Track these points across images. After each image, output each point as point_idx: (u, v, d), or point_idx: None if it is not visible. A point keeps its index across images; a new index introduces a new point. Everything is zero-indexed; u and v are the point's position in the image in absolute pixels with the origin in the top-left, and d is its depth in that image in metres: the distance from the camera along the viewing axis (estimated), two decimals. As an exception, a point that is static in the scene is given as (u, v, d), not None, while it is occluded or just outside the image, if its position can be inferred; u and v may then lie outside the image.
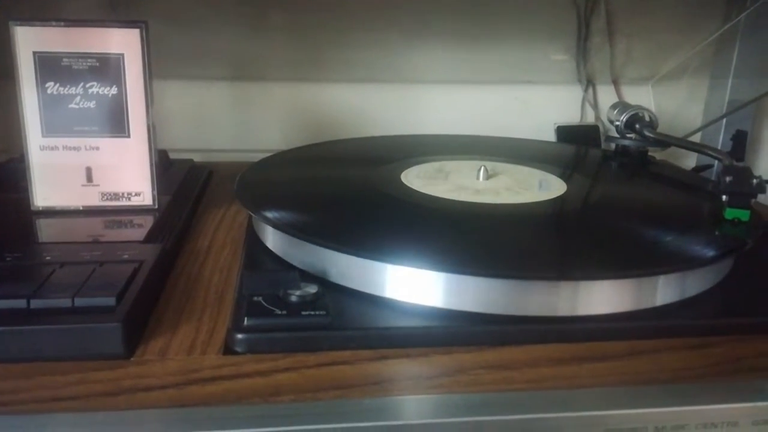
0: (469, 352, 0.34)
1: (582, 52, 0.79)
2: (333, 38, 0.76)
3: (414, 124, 0.78)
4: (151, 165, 0.50)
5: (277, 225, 0.42)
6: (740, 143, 0.54)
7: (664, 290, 0.39)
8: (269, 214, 0.43)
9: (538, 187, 0.51)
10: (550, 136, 0.78)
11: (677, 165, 0.72)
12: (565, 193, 0.50)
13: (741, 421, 0.31)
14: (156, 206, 0.50)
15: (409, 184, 0.51)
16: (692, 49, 0.76)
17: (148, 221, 0.48)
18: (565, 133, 0.78)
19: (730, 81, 0.73)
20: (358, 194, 0.50)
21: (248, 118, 0.77)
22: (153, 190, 0.50)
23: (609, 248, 0.42)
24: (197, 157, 0.71)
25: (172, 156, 0.67)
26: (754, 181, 0.42)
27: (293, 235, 0.41)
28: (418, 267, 0.37)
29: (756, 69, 0.74)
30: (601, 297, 0.38)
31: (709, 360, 0.34)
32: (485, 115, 0.80)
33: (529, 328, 0.36)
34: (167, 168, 0.62)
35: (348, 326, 0.35)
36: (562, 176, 0.54)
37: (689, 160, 0.79)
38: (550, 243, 0.43)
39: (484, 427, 0.29)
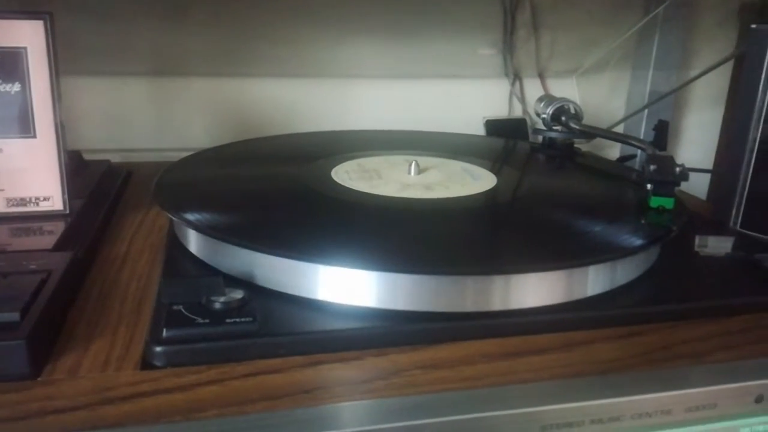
0: (404, 353, 0.33)
1: (508, 46, 0.80)
2: (259, 31, 0.73)
3: (343, 119, 0.76)
4: (61, 167, 0.46)
5: (198, 227, 0.39)
6: (662, 133, 0.55)
7: (594, 280, 0.39)
8: (190, 217, 0.40)
9: (469, 181, 0.51)
10: (480, 130, 0.79)
11: (602, 156, 0.74)
12: (494, 186, 0.50)
13: (674, 408, 0.31)
14: (67, 211, 0.47)
15: (339, 181, 0.49)
16: (614, 42, 0.78)
17: (59, 227, 0.44)
18: (494, 126, 0.79)
19: (650, 73, 0.75)
20: (285, 193, 0.48)
21: (170, 115, 0.74)
22: (64, 194, 0.47)
23: (539, 240, 0.41)
24: (115, 158, 0.67)
25: (88, 157, 0.63)
26: (677, 169, 0.43)
27: (216, 238, 0.38)
28: (348, 267, 0.36)
29: (675, 60, 0.76)
30: (534, 290, 0.37)
31: (641, 349, 0.34)
32: (415, 109, 0.80)
33: (464, 325, 0.35)
34: (81, 170, 0.58)
35: (277, 332, 0.33)
36: (491, 169, 0.54)
37: (614, 151, 0.80)
38: (481, 237, 0.43)
39: (419, 431, 0.28)
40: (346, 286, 0.36)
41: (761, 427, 0.35)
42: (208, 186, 0.49)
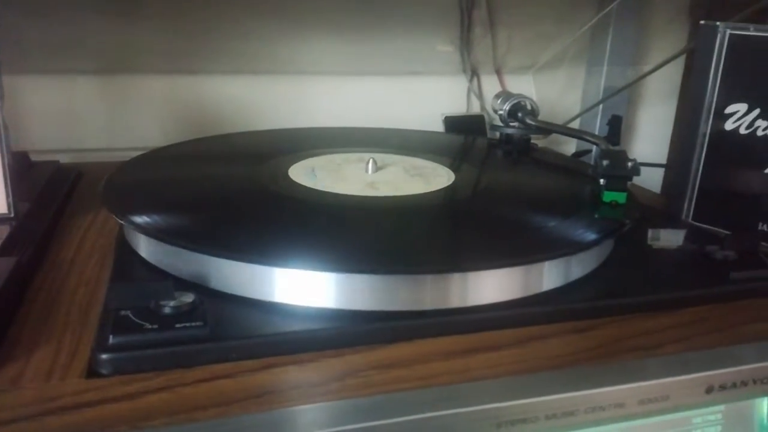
0: (360, 353, 0.33)
1: (465, 42, 0.80)
2: (214, 27, 0.72)
3: (301, 117, 0.75)
4: (4, 168, 0.45)
5: (147, 231, 0.38)
6: (615, 128, 0.56)
7: (549, 275, 0.40)
8: (139, 220, 0.39)
9: (426, 178, 0.51)
10: (438, 127, 0.79)
11: (559, 151, 0.75)
12: (452, 183, 0.50)
13: (627, 401, 0.31)
14: (12, 214, 0.45)
15: (296, 180, 0.48)
16: (569, 38, 0.79)
17: (3, 232, 0.43)
18: (452, 123, 0.79)
19: (605, 68, 0.76)
20: (239, 192, 0.47)
21: (122, 114, 0.72)
22: (8, 196, 0.45)
23: (495, 237, 0.42)
24: (65, 158, 0.65)
25: (37, 158, 0.61)
26: (629, 163, 0.44)
27: (165, 242, 0.37)
28: (301, 268, 0.35)
29: (628, 56, 0.77)
30: (490, 286, 0.37)
31: (594, 342, 0.35)
32: (373, 106, 0.79)
33: (421, 323, 0.35)
34: (27, 171, 0.56)
35: (229, 336, 0.32)
36: (449, 166, 0.54)
37: (570, 146, 0.81)
38: (438, 235, 0.43)
39: (375, 432, 0.27)
40: (300, 287, 0.35)
41: (712, 416, 0.36)
42: (158, 187, 0.48)
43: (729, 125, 0.50)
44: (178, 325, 0.32)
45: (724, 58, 0.50)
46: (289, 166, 0.51)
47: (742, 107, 0.49)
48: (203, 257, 0.36)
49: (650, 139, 0.87)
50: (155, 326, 0.31)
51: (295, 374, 0.31)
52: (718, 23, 0.50)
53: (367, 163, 0.52)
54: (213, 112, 0.74)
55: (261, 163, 0.52)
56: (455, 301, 0.37)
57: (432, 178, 0.51)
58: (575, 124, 0.81)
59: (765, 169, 0.49)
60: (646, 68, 0.75)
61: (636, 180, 0.64)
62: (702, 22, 0.51)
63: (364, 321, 0.35)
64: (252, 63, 0.74)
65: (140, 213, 0.40)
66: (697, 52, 0.51)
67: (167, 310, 0.33)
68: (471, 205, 0.47)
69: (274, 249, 0.36)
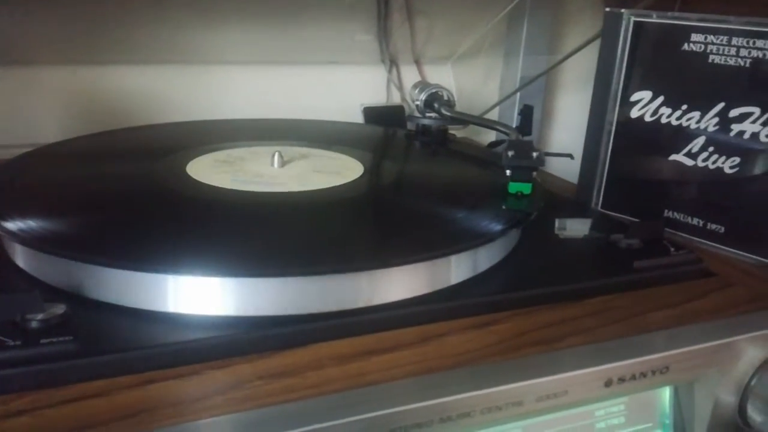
0: (249, 362, 0.31)
1: (383, 31, 0.78)
2: (115, 15, 0.67)
3: (212, 109, 0.72)
4: None
5: (18, 237, 0.35)
6: (527, 118, 0.55)
7: (457, 269, 0.39)
8: (11, 225, 0.36)
9: (335, 172, 0.49)
10: (359, 118, 0.77)
11: (477, 141, 0.74)
12: (360, 177, 0.48)
13: (525, 399, 0.30)
14: None
15: (194, 177, 0.46)
16: (485, 27, 0.78)
17: None
18: (372, 114, 0.77)
19: (521, 57, 0.76)
20: (128, 192, 0.44)
21: (15, 108, 0.67)
22: None
23: (400, 232, 0.40)
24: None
25: None
26: (534, 154, 0.43)
27: (34, 248, 0.34)
28: (181, 273, 0.33)
29: (544, 45, 0.77)
30: (392, 284, 0.36)
31: (494, 338, 0.34)
32: (291, 97, 0.76)
33: (316, 327, 0.33)
34: None
35: (104, 350, 0.30)
36: (361, 159, 0.52)
37: (490, 136, 0.81)
38: (337, 232, 0.41)
39: (254, 450, 0.25)
40: (185, 294, 0.33)
41: (615, 408, 0.36)
42: (39, 188, 0.44)
43: (635, 113, 0.50)
44: (43, 341, 0.29)
45: (629, 46, 0.50)
46: (188, 162, 0.48)
47: (646, 95, 0.49)
48: (77, 265, 0.33)
49: (568, 128, 0.87)
50: (18, 342, 0.29)
51: (176, 389, 0.29)
52: (622, 10, 0.50)
53: (273, 156, 0.49)
54: (118, 105, 0.69)
55: (158, 160, 0.49)
56: (359, 301, 0.35)
57: (341, 171, 0.49)
58: (494, 114, 0.81)
59: (670, 156, 0.49)
60: (561, 57, 0.75)
61: (560, 168, 0.64)
62: (607, 9, 0.51)
63: (258, 327, 0.33)
64: (160, 52, 0.70)
65: (12, 217, 0.37)
66: (603, 40, 0.51)
67: (34, 324, 0.30)
68: (377, 199, 0.46)
69: (151, 253, 0.34)
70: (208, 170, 0.47)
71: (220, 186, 0.44)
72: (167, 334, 0.32)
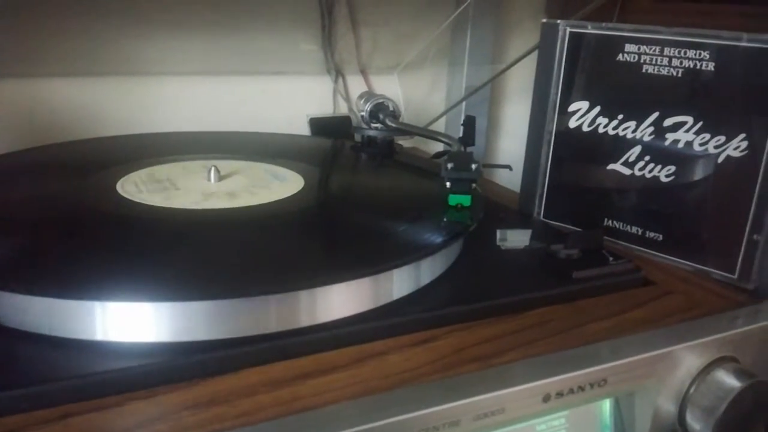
0: (177, 391, 0.30)
1: (327, 41, 0.77)
2: (45, 25, 0.65)
3: (150, 123, 0.70)
4: None
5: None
6: (470, 128, 0.55)
7: (398, 284, 0.38)
8: None
9: (273, 186, 0.48)
10: (305, 129, 0.76)
11: (424, 152, 0.74)
12: (300, 191, 0.47)
13: (462, 418, 0.30)
14: None
15: (125, 195, 0.44)
16: (430, 37, 0.78)
17: None
18: (319, 125, 0.76)
19: (465, 67, 0.76)
20: (53, 212, 0.42)
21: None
22: None
23: (337, 248, 0.39)
24: None
25: None
26: (473, 166, 0.43)
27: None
28: (115, 300, 0.31)
29: (487, 54, 0.78)
30: (330, 302, 0.35)
31: (432, 356, 0.33)
32: (234, 109, 0.75)
33: (246, 351, 0.32)
34: None
35: (16, 383, 0.28)
36: (302, 172, 0.51)
37: (438, 146, 0.81)
38: (276, 249, 0.39)
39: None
40: (105, 320, 0.31)
41: (556, 422, 0.35)
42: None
43: (572, 123, 0.50)
44: (-51, 376, 0.27)
45: (566, 56, 0.50)
46: (119, 179, 0.47)
47: (583, 105, 0.50)
48: (-8, 292, 0.31)
49: (515, 136, 0.88)
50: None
51: (96, 423, 0.27)
52: (558, 21, 0.50)
53: (209, 171, 0.48)
54: (47, 119, 0.67)
55: (87, 177, 0.47)
56: (293, 322, 0.34)
57: (281, 185, 0.48)
58: (440, 124, 0.81)
59: (608, 165, 0.49)
60: (504, 66, 0.76)
61: (505, 178, 0.64)
62: (543, 20, 0.52)
63: (186, 353, 0.31)
64: (91, 63, 0.68)
65: None
66: (540, 51, 0.52)
67: (-60, 357, 0.28)
68: (315, 214, 0.45)
69: (77, 278, 0.32)
70: (141, 187, 0.46)
71: (151, 204, 0.42)
72: (90, 364, 0.30)
